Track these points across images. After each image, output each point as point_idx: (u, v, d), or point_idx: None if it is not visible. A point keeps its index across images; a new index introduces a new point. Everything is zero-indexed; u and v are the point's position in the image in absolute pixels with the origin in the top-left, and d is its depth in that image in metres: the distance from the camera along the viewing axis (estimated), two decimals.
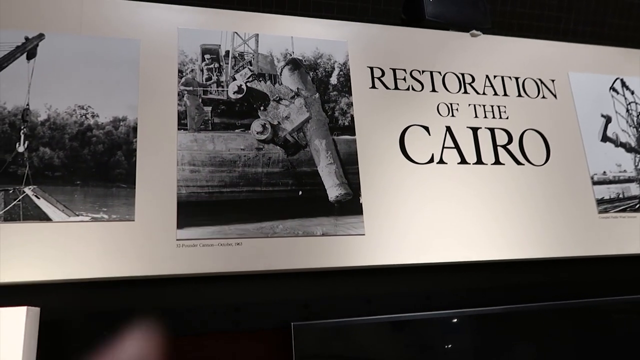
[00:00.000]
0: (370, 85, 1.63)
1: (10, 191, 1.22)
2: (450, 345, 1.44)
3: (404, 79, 1.67)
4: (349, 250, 1.41)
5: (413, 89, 1.67)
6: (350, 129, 1.54)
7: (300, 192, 1.43)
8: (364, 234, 1.44)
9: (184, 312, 1.30)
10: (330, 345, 1.36)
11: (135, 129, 1.35)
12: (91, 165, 1.30)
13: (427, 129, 1.62)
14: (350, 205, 1.46)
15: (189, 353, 1.30)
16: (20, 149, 1.26)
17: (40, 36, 1.36)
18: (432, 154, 1.60)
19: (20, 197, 1.22)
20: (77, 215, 1.24)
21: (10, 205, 1.20)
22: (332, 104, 1.56)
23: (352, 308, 1.41)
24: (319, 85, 1.57)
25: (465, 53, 1.78)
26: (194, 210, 1.32)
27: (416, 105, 1.65)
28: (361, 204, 1.47)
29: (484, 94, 1.74)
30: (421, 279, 1.51)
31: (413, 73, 1.69)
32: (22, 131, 1.27)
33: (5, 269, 1.16)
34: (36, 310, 1.12)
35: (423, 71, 1.70)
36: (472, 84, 1.74)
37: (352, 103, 1.58)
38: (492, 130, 1.69)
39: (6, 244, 1.18)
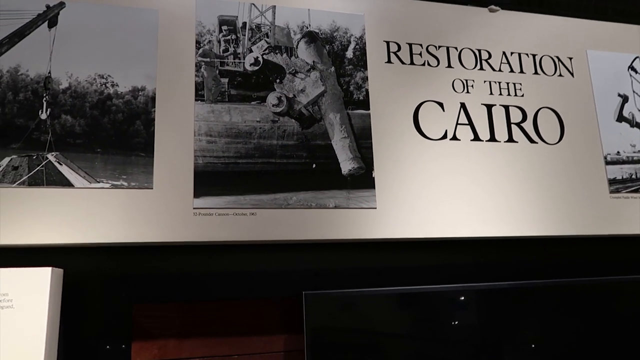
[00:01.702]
0: (386, 60, 1.63)
1: (34, 157, 1.26)
2: (457, 319, 1.48)
3: (420, 54, 1.67)
4: (360, 223, 1.44)
5: (429, 64, 1.66)
6: (364, 104, 1.55)
7: (314, 165, 1.45)
8: (375, 208, 1.46)
9: (199, 278, 1.34)
10: (340, 315, 1.41)
11: (153, 99, 1.38)
12: (111, 133, 1.33)
13: (441, 105, 1.63)
14: (363, 179, 1.48)
15: (204, 317, 1.35)
16: (43, 116, 1.29)
17: (61, 4, 1.37)
18: (446, 130, 1.60)
19: (44, 163, 1.26)
20: (98, 182, 1.28)
21: (34, 171, 1.24)
22: (348, 78, 1.56)
23: (362, 280, 1.45)
24: (334, 59, 1.57)
25: (482, 29, 1.77)
26: (211, 180, 1.36)
27: (431, 80, 1.65)
28: (374, 178, 1.49)
29: (500, 70, 1.74)
30: (431, 253, 1.54)
31: (429, 48, 1.68)
32: (44, 98, 1.30)
33: (30, 232, 1.21)
34: (60, 271, 1.17)
35: (439, 46, 1.70)
36: (489, 61, 1.73)
37: (367, 77, 1.58)
38: (506, 107, 1.69)
39: (31, 208, 1.22)
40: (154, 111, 1.37)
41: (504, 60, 1.75)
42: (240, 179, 1.38)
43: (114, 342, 1.25)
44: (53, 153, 1.27)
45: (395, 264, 1.49)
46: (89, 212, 1.25)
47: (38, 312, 1.10)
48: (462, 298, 1.50)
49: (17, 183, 1.23)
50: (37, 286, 1.11)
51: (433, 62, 1.67)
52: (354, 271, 1.45)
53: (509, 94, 1.71)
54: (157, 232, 1.29)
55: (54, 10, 1.36)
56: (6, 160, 1.24)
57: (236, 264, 1.37)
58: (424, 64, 1.66)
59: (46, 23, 1.35)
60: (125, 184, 1.30)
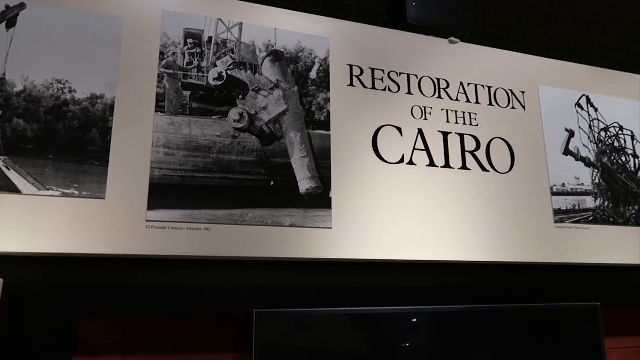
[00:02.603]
0: (349, 83, 1.66)
1: None
2: (409, 341, 1.51)
3: (382, 80, 1.71)
4: (316, 242, 1.45)
5: (390, 89, 1.71)
6: (325, 124, 1.58)
7: (272, 183, 1.46)
8: (331, 228, 1.48)
9: (149, 292, 1.32)
10: (291, 334, 1.41)
11: (112, 107, 1.35)
12: (65, 140, 1.30)
13: (400, 130, 1.67)
14: (320, 199, 1.50)
15: (151, 334, 1.32)
16: None
17: (22, 5, 1.34)
18: (403, 155, 1.65)
19: None
20: (48, 190, 1.24)
21: None
22: (310, 98, 1.59)
23: (316, 299, 1.45)
24: (298, 79, 1.59)
25: (442, 59, 1.83)
26: (166, 192, 1.34)
27: (391, 106, 1.69)
28: (331, 198, 1.51)
29: (457, 100, 1.80)
30: (385, 275, 1.56)
31: (391, 74, 1.73)
32: None
33: None
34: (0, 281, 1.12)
35: (400, 73, 1.75)
36: (447, 90, 1.80)
37: (329, 99, 1.61)
38: (462, 135, 1.75)
39: None
40: (112, 120, 1.35)
41: (461, 90, 1.82)
42: (197, 193, 1.37)
43: (55, 357, 1.20)
44: (1, 157, 1.23)
45: (349, 284, 1.51)
46: (36, 221, 1.21)
47: None
48: (414, 320, 1.53)
49: None
50: None
51: (394, 87, 1.72)
52: (307, 290, 1.46)
53: (464, 123, 1.77)
54: (107, 244, 1.26)
55: (14, 11, 1.32)
56: None
57: (187, 279, 1.35)
58: (385, 89, 1.70)
59: (4, 23, 1.31)
60: (77, 192, 1.26)
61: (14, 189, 1.22)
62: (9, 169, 1.22)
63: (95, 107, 1.34)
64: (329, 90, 1.62)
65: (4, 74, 1.28)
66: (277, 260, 1.41)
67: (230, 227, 1.37)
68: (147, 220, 1.30)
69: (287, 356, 1.37)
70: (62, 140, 1.29)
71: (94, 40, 1.39)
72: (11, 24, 1.32)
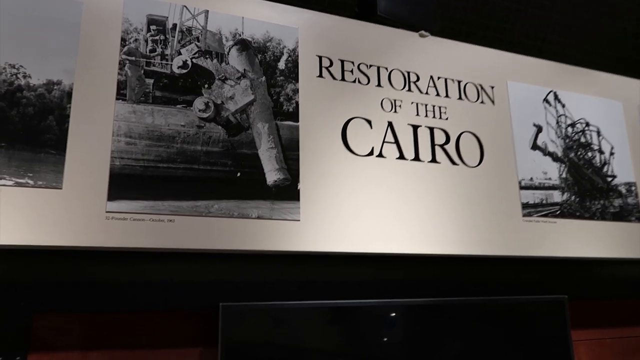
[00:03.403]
0: (318, 74, 1.65)
1: None
2: (379, 333, 1.50)
3: (352, 71, 1.71)
4: (283, 235, 1.43)
5: (359, 82, 1.71)
6: (294, 115, 1.56)
7: (238, 174, 1.44)
8: (299, 220, 1.47)
9: (110, 286, 1.28)
10: (258, 328, 1.39)
11: (70, 94, 1.31)
12: (19, 127, 1.25)
13: (369, 122, 1.67)
14: (288, 191, 1.48)
15: (112, 329, 1.28)
16: None
17: None
18: (373, 147, 1.65)
19: None
20: (0, 179, 1.19)
21: None
22: (278, 88, 1.57)
23: (284, 293, 1.44)
24: (266, 69, 1.57)
25: (412, 52, 1.84)
26: (127, 183, 1.30)
27: (361, 98, 1.69)
28: (299, 190, 1.50)
29: (427, 93, 1.81)
30: (354, 267, 1.56)
31: (360, 66, 1.73)
32: None
33: None
34: None
35: (370, 65, 1.75)
36: (417, 83, 1.81)
37: (298, 90, 1.60)
38: (431, 129, 1.76)
39: None
40: (70, 107, 1.30)
41: (431, 84, 1.83)
42: (160, 184, 1.34)
43: (8, 353, 1.15)
44: None
45: (317, 277, 1.50)
46: None
47: None
48: (384, 313, 1.52)
49: None
50: None
51: (364, 80, 1.72)
52: (275, 284, 1.44)
53: (434, 117, 1.79)
54: (64, 236, 1.21)
55: None
56: None
57: (150, 273, 1.32)
58: (354, 81, 1.70)
59: None
60: (31, 182, 1.22)
61: None
62: None
63: (51, 94, 1.29)
64: (297, 81, 1.61)
65: None
66: (243, 252, 1.39)
67: (195, 218, 1.35)
68: (106, 212, 1.26)
69: (253, 350, 1.35)
70: (15, 128, 1.24)
71: (51, 25, 1.35)
72: None
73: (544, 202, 1.89)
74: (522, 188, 1.86)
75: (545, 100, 2.05)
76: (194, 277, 1.36)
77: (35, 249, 1.21)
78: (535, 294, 1.78)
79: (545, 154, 1.97)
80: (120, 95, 1.36)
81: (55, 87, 1.30)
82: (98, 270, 1.27)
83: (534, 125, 1.99)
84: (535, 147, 1.97)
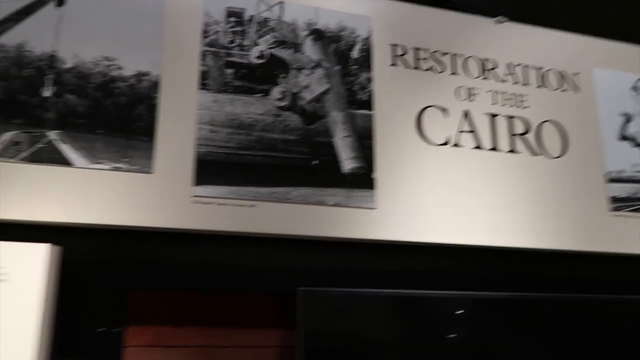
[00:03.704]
0: (391, 63, 1.79)
1: (36, 134, 1.38)
2: (453, 326, 1.62)
3: (425, 59, 1.84)
4: (360, 222, 1.58)
5: (434, 70, 1.84)
6: (368, 104, 1.71)
7: (315, 162, 1.60)
8: (375, 208, 1.61)
9: (195, 267, 1.46)
10: (334, 313, 1.53)
11: (157, 84, 1.52)
12: (113, 116, 1.46)
13: (444, 111, 1.79)
14: (363, 179, 1.63)
15: (197, 307, 1.48)
16: (47, 93, 1.42)
17: None
18: (448, 137, 1.77)
19: (45, 140, 1.38)
20: (99, 163, 1.41)
21: (36, 148, 1.37)
22: (352, 77, 1.72)
23: (359, 280, 1.58)
24: (340, 58, 1.73)
25: (489, 39, 1.95)
26: (211, 169, 1.49)
27: (435, 86, 1.82)
28: (374, 178, 1.64)
29: (504, 81, 1.92)
30: (427, 258, 1.68)
31: (435, 54, 1.86)
32: (48, 76, 1.43)
33: (30, 208, 1.32)
34: (58, 249, 1.28)
35: (445, 53, 1.87)
36: (494, 71, 1.91)
37: (371, 78, 1.74)
38: (510, 118, 1.87)
39: (31, 184, 1.34)
40: (157, 97, 1.51)
41: (509, 71, 1.93)
42: (241, 170, 1.52)
43: (108, 325, 1.36)
44: (55, 131, 1.40)
45: (392, 266, 1.63)
46: (88, 193, 1.38)
47: (34, 287, 1.21)
48: (462, 306, 1.63)
49: (17, 158, 1.35)
50: (34, 261, 1.23)
51: (438, 68, 1.84)
52: (351, 270, 1.58)
53: (512, 105, 1.89)
54: (155, 217, 1.41)
55: None
56: (8, 135, 1.36)
57: (232, 255, 1.49)
58: (428, 70, 1.83)
59: (55, 2, 1.49)
60: (126, 166, 1.43)
61: (66, 162, 1.38)
62: (61, 143, 1.39)
63: (141, 84, 1.50)
64: (371, 69, 1.75)
65: (55, 51, 1.45)
66: (321, 239, 1.55)
67: (275, 204, 1.52)
68: (193, 196, 1.45)
69: (330, 334, 1.50)
70: (110, 116, 1.46)
71: (138, 18, 1.56)
72: (61, 1, 1.49)
73: (634, 196, 1.94)
74: (609, 181, 1.92)
75: (634, 87, 2.10)
76: (273, 261, 1.52)
77: (128, 229, 1.41)
78: (623, 294, 1.83)
79: (634, 145, 2.02)
80: (203, 85, 1.56)
81: (144, 78, 1.51)
82: (185, 251, 1.46)
83: (622, 114, 2.04)
84: (623, 137, 2.02)
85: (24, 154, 1.36)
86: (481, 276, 1.72)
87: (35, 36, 1.45)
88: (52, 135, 1.39)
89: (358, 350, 1.53)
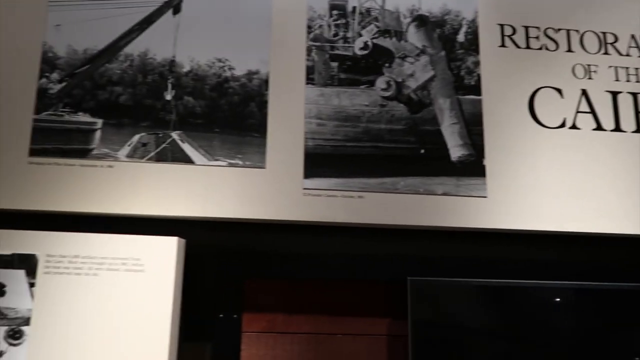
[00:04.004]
0: (500, 44, 1.73)
1: (160, 135, 1.50)
2: (571, 319, 1.55)
3: (537, 38, 1.75)
4: (470, 211, 1.56)
5: (546, 48, 1.74)
6: (476, 89, 1.67)
7: (422, 151, 1.59)
8: (486, 197, 1.57)
9: (306, 257, 1.52)
10: (445, 303, 1.53)
11: (266, 82, 1.58)
12: (227, 114, 1.55)
13: (559, 91, 1.70)
14: (473, 167, 1.60)
15: (309, 296, 1.54)
16: (168, 97, 1.53)
17: None
18: (564, 119, 1.68)
19: (169, 140, 1.50)
20: (216, 160, 1.50)
21: (160, 148, 1.49)
22: (458, 62, 1.68)
23: (468, 270, 1.56)
24: (445, 43, 1.70)
25: (607, 10, 1.81)
26: (320, 161, 1.54)
27: (549, 66, 1.73)
28: (484, 165, 1.60)
29: (628, 55, 1.77)
30: (540, 247, 1.61)
31: (547, 31, 1.76)
32: (169, 81, 1.55)
33: (156, 203, 1.45)
34: (183, 241, 1.40)
35: (559, 29, 1.77)
36: (615, 44, 1.78)
37: (479, 62, 1.69)
38: (635, 95, 1.73)
39: (157, 182, 1.47)
40: (267, 94, 1.57)
41: (633, 44, 1.79)
42: (349, 162, 1.55)
43: (226, 311, 1.46)
44: (177, 132, 1.51)
45: (504, 255, 1.59)
46: (207, 188, 1.48)
47: (166, 277, 1.33)
48: (578, 297, 1.56)
49: (145, 158, 1.48)
50: (165, 254, 1.35)
51: (551, 46, 1.75)
52: (460, 260, 1.57)
53: (638, 80, 1.74)
54: (268, 210, 1.49)
55: None
56: (136, 137, 1.50)
57: (343, 245, 1.54)
58: (541, 48, 1.74)
59: (171, 10, 1.59)
60: (241, 162, 1.51)
61: (188, 160, 1.49)
62: (183, 142, 1.50)
63: (252, 83, 1.58)
64: (478, 53, 1.70)
65: (174, 56, 1.56)
66: (430, 228, 1.54)
67: (383, 195, 1.54)
68: (304, 188, 1.51)
69: (441, 324, 1.50)
70: (225, 115, 1.55)
71: (247, 19, 1.63)
72: (177, 9, 1.60)
73: None
74: None
75: None
76: (382, 250, 1.55)
77: (244, 222, 1.50)
78: None
79: None
80: (309, 79, 1.60)
81: (254, 76, 1.58)
82: (296, 242, 1.52)
83: None
84: None
85: (151, 154, 1.49)
86: (595, 265, 1.62)
87: (156, 44, 1.57)
88: (175, 135, 1.51)
89: (467, 339, 1.52)
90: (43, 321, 1.28)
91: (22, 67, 1.51)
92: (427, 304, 1.51)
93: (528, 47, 1.74)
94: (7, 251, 1.33)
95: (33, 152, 1.46)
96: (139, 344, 1.29)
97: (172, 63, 1.56)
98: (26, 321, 1.28)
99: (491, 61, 1.70)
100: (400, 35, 1.69)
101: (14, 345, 1.27)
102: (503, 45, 1.73)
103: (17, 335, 1.27)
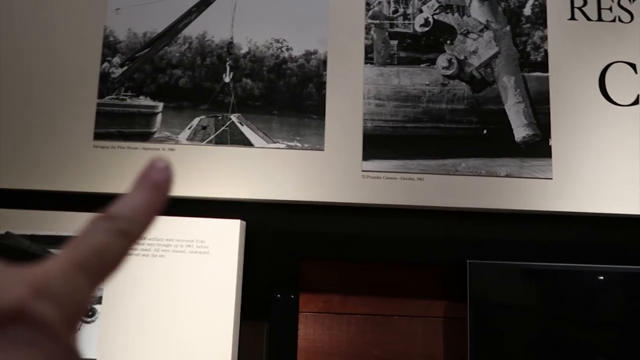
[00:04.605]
0: (569, 17, 1.64)
1: (219, 118, 1.52)
2: (626, 304, 1.51)
3: (610, 9, 1.65)
4: (533, 193, 1.51)
5: (620, 20, 1.65)
6: (542, 65, 1.60)
7: (484, 131, 1.55)
8: (551, 178, 1.52)
9: (363, 239, 1.53)
10: (505, 287, 1.51)
11: (324, 62, 1.57)
12: (286, 96, 1.55)
13: (633, 66, 1.61)
14: (538, 147, 1.54)
15: (365, 277, 1.55)
16: (227, 79, 1.54)
17: None
18: (638, 95, 1.59)
19: (228, 123, 1.52)
20: (275, 142, 1.51)
21: (220, 131, 1.51)
22: (524, 37, 1.62)
23: (528, 253, 1.52)
24: (510, 17, 1.63)
25: None
26: (379, 143, 1.52)
27: (623, 39, 1.63)
28: (550, 146, 1.55)
29: None
30: (610, 230, 1.56)
31: (621, 2, 1.66)
32: (227, 63, 1.55)
33: (217, 186, 1.48)
34: (244, 223, 1.42)
35: (633, 0, 1.67)
36: None
37: (546, 37, 1.62)
38: None
39: (217, 165, 1.49)
40: (325, 74, 1.56)
41: None
42: (408, 143, 1.53)
43: (283, 292, 1.49)
44: (235, 114, 1.53)
45: (569, 239, 1.54)
46: (266, 170, 1.49)
47: (230, 259, 1.37)
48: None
49: (205, 141, 1.51)
50: (229, 235, 1.38)
51: (626, 17, 1.65)
52: (522, 244, 1.53)
53: None
54: (327, 193, 1.49)
55: None
56: (196, 120, 1.52)
57: (401, 228, 1.53)
58: (614, 20, 1.65)
59: None
60: (299, 145, 1.51)
61: (247, 143, 1.51)
62: (242, 125, 1.52)
63: (310, 63, 1.57)
64: (545, 27, 1.63)
65: (232, 38, 1.57)
66: (491, 211, 1.52)
67: (443, 177, 1.51)
68: (363, 170, 1.50)
69: (501, 308, 1.49)
70: (283, 97, 1.55)
71: None
72: None
73: None
74: None
75: None
76: (441, 233, 1.53)
77: (302, 204, 1.51)
78: None
79: None
80: (368, 59, 1.58)
81: (312, 57, 1.57)
82: (354, 224, 1.53)
83: None
84: None
85: (211, 137, 1.51)
86: None
87: (214, 25, 1.58)
88: (233, 118, 1.52)
89: (526, 323, 1.50)
90: (113, 300, 1.35)
91: (86, 53, 1.56)
92: (487, 287, 1.49)
93: (600, 19, 1.65)
94: (73, 232, 1.39)
95: (97, 136, 1.51)
96: (205, 323, 1.33)
97: (230, 45, 1.57)
98: (99, 300, 1.34)
99: (559, 35, 1.63)
100: (462, 10, 1.63)
101: (87, 322, 1.34)
102: (573, 18, 1.64)
103: (91, 313, 1.34)
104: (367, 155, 1.51)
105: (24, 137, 1.50)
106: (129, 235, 0.32)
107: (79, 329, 0.28)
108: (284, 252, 1.52)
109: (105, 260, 0.31)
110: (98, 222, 0.32)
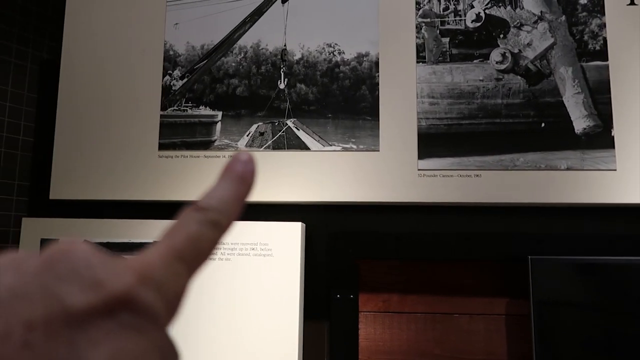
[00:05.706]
0: (628, 2, 1.61)
1: (276, 123, 1.58)
2: None
3: None
4: (596, 186, 1.49)
5: None
6: (601, 54, 1.57)
7: (542, 124, 1.54)
8: (615, 170, 1.50)
9: (422, 238, 1.55)
10: (569, 282, 1.50)
11: (377, 63, 1.60)
12: (340, 99, 1.59)
13: None
14: (600, 139, 1.52)
15: (423, 276, 1.58)
16: (281, 85, 1.60)
17: None
18: None
19: (284, 128, 1.57)
20: (331, 145, 1.56)
21: (277, 136, 1.57)
22: (581, 26, 1.59)
23: (592, 247, 1.50)
24: (565, 7, 1.61)
25: None
26: (434, 141, 1.54)
27: None
28: (613, 136, 1.52)
29: None
30: None
31: None
32: (281, 69, 1.61)
33: (277, 190, 1.54)
34: (304, 225, 1.48)
35: None
36: None
37: (604, 24, 1.59)
38: None
39: (276, 169, 1.55)
40: (378, 75, 1.59)
41: None
42: (464, 140, 1.54)
43: (343, 292, 1.53)
44: (291, 119, 1.58)
45: (634, 232, 1.51)
46: (322, 173, 1.54)
47: (292, 261, 1.43)
48: None
49: (264, 147, 1.57)
50: (291, 238, 1.44)
51: None
52: (585, 237, 1.52)
53: None
54: (384, 193, 1.52)
55: None
56: (254, 127, 1.59)
57: (459, 225, 1.54)
58: None
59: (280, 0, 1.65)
60: (354, 146, 1.55)
61: (304, 147, 1.56)
62: (298, 129, 1.57)
63: (362, 66, 1.60)
64: (603, 14, 1.60)
65: (285, 45, 1.63)
66: (553, 205, 1.51)
67: (501, 172, 1.51)
68: (418, 169, 1.53)
69: (561, 303, 1.48)
70: (337, 100, 1.59)
71: (353, 1, 1.65)
72: None
73: None
74: None
75: None
76: (501, 229, 1.53)
77: (359, 205, 1.55)
78: None
79: None
80: (420, 58, 1.60)
81: (364, 59, 1.60)
82: (412, 223, 1.55)
83: None
84: None
85: (268, 143, 1.57)
86: None
87: (267, 34, 1.64)
88: (290, 123, 1.58)
89: (590, 320, 1.48)
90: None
91: (148, 67, 1.65)
92: (550, 283, 1.49)
93: None
94: (145, 239, 1.48)
95: (162, 147, 1.61)
96: (270, 324, 1.40)
97: (283, 52, 1.63)
98: None
99: (618, 22, 1.59)
100: (515, 2, 1.62)
101: None
102: (632, 3, 1.60)
103: None
104: (422, 154, 1.54)
105: (97, 152, 1.62)
106: (219, 226, 0.33)
107: (176, 318, 0.30)
108: (342, 252, 1.57)
109: (200, 249, 0.31)
110: (191, 213, 0.32)
